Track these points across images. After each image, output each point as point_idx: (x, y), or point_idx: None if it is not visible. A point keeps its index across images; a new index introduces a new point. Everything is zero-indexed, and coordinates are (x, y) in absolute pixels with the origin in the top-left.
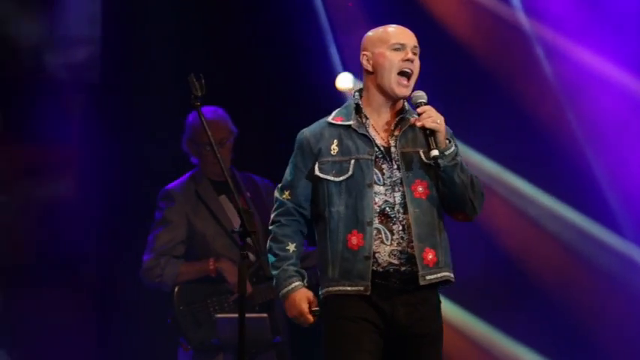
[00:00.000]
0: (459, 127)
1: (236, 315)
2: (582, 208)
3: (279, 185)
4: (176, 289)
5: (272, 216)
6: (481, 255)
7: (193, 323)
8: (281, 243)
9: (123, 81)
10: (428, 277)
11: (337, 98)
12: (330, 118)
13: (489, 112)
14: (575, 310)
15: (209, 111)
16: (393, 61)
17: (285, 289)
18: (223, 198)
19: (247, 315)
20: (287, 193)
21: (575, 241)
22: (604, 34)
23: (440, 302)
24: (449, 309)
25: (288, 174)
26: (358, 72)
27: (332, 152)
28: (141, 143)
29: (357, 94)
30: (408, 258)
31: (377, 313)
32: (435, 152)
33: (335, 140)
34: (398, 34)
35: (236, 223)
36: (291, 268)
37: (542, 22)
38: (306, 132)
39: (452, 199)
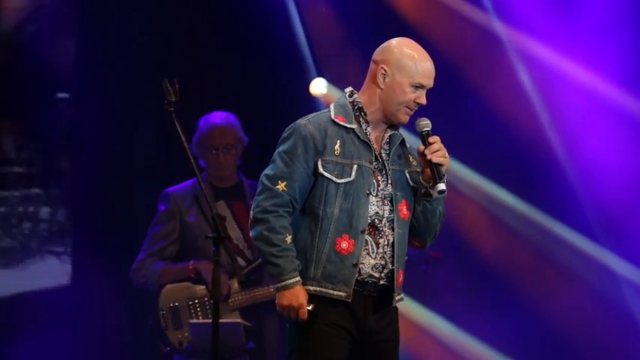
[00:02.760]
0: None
1: (209, 321)
2: (555, 213)
3: (270, 173)
4: (162, 290)
5: (266, 204)
6: (454, 258)
7: (174, 325)
8: (280, 234)
9: (97, 84)
10: (397, 298)
11: (311, 103)
12: (332, 116)
13: (462, 116)
14: (548, 315)
15: (220, 116)
16: (408, 97)
17: (292, 280)
18: (221, 203)
19: (221, 320)
20: (283, 184)
21: (548, 245)
22: (577, 39)
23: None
24: (421, 312)
25: (282, 164)
26: (331, 77)
27: (335, 152)
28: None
29: (356, 96)
30: (387, 273)
31: (352, 320)
32: (442, 186)
33: (338, 141)
34: (425, 74)
35: (230, 228)
36: (296, 261)
37: (515, 27)
38: (309, 125)
39: (424, 227)
